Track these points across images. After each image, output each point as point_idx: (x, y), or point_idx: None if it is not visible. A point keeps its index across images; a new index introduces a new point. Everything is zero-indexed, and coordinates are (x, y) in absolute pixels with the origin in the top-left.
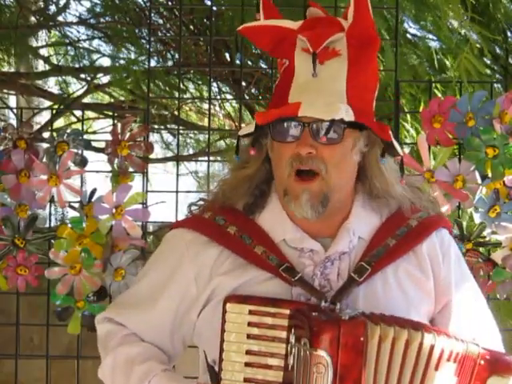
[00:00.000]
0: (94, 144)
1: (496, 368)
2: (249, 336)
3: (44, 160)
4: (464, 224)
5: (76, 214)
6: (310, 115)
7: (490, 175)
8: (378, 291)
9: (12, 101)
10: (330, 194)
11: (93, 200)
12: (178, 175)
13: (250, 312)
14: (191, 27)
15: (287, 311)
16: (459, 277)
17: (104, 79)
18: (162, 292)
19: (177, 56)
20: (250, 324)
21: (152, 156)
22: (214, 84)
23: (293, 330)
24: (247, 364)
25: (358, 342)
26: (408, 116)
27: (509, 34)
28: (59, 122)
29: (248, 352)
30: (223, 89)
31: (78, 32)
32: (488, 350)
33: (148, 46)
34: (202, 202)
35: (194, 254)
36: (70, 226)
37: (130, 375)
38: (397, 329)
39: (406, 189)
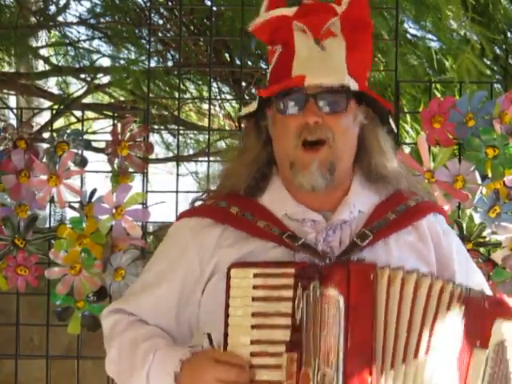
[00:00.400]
0: (94, 144)
1: (501, 311)
2: (254, 299)
3: (44, 160)
4: (464, 224)
5: (76, 214)
6: (316, 83)
7: (490, 175)
8: (381, 259)
9: (12, 101)
10: (336, 162)
11: (93, 200)
12: (177, 175)
13: (255, 275)
14: (191, 27)
15: (292, 270)
16: (461, 253)
17: (104, 79)
18: (167, 276)
19: (177, 56)
20: (255, 287)
21: (152, 156)
22: (214, 84)
23: (299, 284)
24: (254, 326)
25: (368, 280)
26: (408, 116)
27: (508, 34)
28: (59, 123)
29: (254, 314)
30: (223, 89)
31: (78, 32)
32: (492, 295)
33: (148, 46)
34: (205, 196)
35: (197, 237)
36: (69, 226)
37: (136, 353)
38: (405, 273)
39: (402, 167)
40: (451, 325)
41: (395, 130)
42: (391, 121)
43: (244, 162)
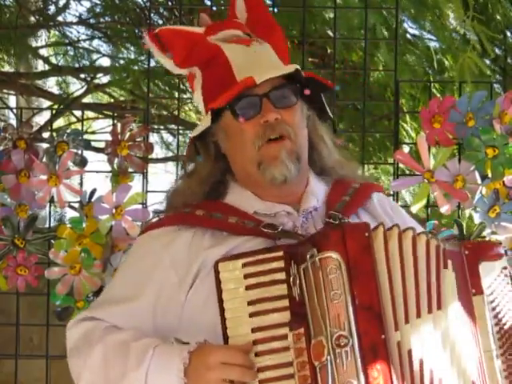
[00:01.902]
0: (93, 144)
1: (481, 254)
2: (247, 287)
3: (44, 160)
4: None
5: (76, 214)
6: (266, 78)
7: (489, 175)
8: None
9: (12, 101)
10: (300, 153)
11: (93, 200)
12: (177, 175)
13: (244, 265)
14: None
15: (281, 253)
16: (415, 223)
17: (104, 79)
18: (139, 284)
19: None
20: (246, 276)
21: (152, 156)
22: None
23: (292, 262)
24: (252, 314)
25: (363, 237)
26: (407, 116)
27: (508, 34)
28: (59, 122)
29: (250, 303)
30: None
31: (78, 32)
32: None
33: None
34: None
35: (165, 244)
36: (69, 226)
37: (128, 353)
38: (401, 230)
39: (341, 158)
40: (450, 279)
41: (330, 115)
42: (327, 107)
43: (196, 181)
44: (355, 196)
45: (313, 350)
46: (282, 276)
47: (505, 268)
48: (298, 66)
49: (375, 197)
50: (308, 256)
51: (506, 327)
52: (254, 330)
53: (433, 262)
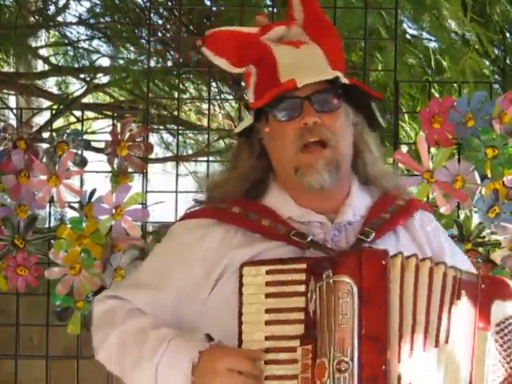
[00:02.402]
0: (93, 144)
1: (498, 291)
2: (267, 295)
3: (44, 160)
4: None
5: (76, 214)
6: (308, 82)
7: (489, 175)
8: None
9: (12, 101)
10: (341, 161)
11: (92, 200)
12: (177, 175)
13: (267, 272)
14: (191, 27)
15: (304, 265)
16: (450, 244)
17: (104, 79)
18: (168, 273)
19: (176, 56)
20: (267, 284)
21: (151, 156)
22: (214, 84)
23: (312, 277)
24: (267, 322)
25: (380, 265)
26: (406, 116)
27: (507, 34)
28: (59, 122)
29: (268, 310)
30: (222, 89)
31: (78, 32)
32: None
33: (148, 46)
34: (198, 204)
35: (198, 237)
36: (69, 226)
37: (145, 341)
38: (419, 260)
39: (387, 168)
40: (461, 312)
41: (382, 124)
42: (378, 115)
43: (237, 176)
44: (396, 214)
45: (316, 369)
46: (301, 289)
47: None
48: (341, 74)
49: (418, 215)
50: (324, 276)
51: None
52: (267, 338)
53: (447, 295)
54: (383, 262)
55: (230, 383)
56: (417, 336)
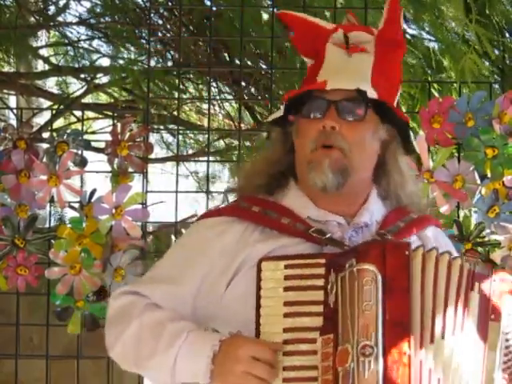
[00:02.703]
0: (93, 144)
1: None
2: (286, 289)
3: (44, 160)
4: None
5: (76, 214)
6: (336, 87)
7: (489, 175)
8: None
9: (12, 101)
10: (350, 170)
11: (92, 200)
12: (177, 175)
13: (286, 266)
14: (191, 27)
15: (323, 260)
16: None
17: (104, 79)
18: (187, 267)
19: (176, 56)
20: (286, 278)
21: (152, 156)
22: (214, 84)
23: (331, 270)
24: (286, 315)
25: (404, 255)
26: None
27: (507, 35)
28: (59, 122)
29: (286, 303)
30: (223, 89)
31: (78, 32)
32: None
33: (148, 46)
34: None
35: (218, 232)
36: (69, 226)
37: (162, 334)
38: (439, 253)
39: (415, 191)
40: (475, 302)
41: (417, 150)
42: (413, 140)
43: (263, 162)
44: (410, 224)
45: (338, 356)
46: (320, 283)
47: None
48: (374, 91)
49: (432, 229)
50: (347, 265)
51: None
52: (285, 330)
53: (463, 285)
54: (406, 253)
55: (252, 370)
56: (437, 324)
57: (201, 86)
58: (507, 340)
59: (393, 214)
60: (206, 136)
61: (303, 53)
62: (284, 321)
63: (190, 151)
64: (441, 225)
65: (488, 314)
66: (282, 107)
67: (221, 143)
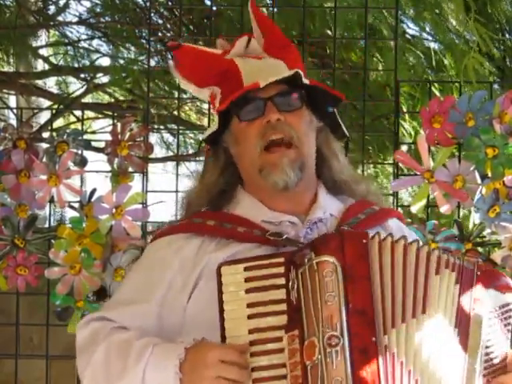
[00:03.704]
0: (93, 144)
1: (494, 282)
2: (247, 291)
3: (44, 160)
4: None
5: (76, 213)
6: (270, 81)
7: (489, 175)
8: None
9: (12, 101)
10: (305, 161)
11: (92, 200)
12: (177, 175)
13: (245, 269)
14: (191, 27)
15: (281, 259)
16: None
17: (104, 79)
18: (149, 287)
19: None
20: (246, 280)
21: (152, 156)
22: None
23: (291, 267)
24: (250, 316)
25: (361, 244)
26: (406, 115)
27: (507, 35)
28: (59, 122)
29: (249, 305)
30: None
31: (78, 32)
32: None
33: (148, 46)
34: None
35: (176, 249)
36: (69, 225)
37: (129, 352)
38: (394, 240)
39: (361, 176)
40: (444, 288)
41: (347, 134)
42: (342, 125)
43: (200, 188)
44: (372, 216)
45: (305, 351)
46: (281, 281)
47: (508, 304)
48: (301, 72)
49: (394, 221)
50: (306, 260)
51: (492, 358)
52: (251, 332)
53: (421, 268)
54: (364, 241)
55: (222, 374)
56: (397, 309)
57: None
58: (489, 333)
59: (354, 207)
60: None
61: (204, 83)
62: (248, 322)
63: (190, 151)
64: (402, 216)
65: (471, 305)
66: (216, 122)
67: None
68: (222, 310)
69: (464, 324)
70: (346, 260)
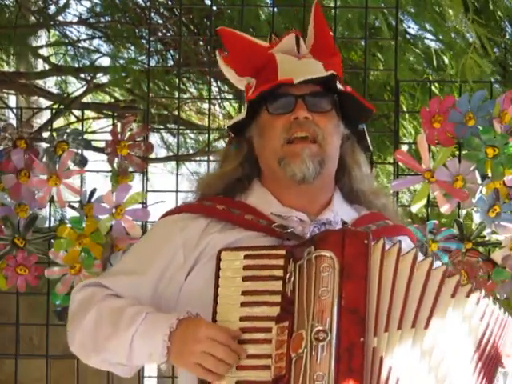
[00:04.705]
0: (93, 144)
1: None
2: (244, 278)
3: (44, 160)
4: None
5: (76, 213)
6: (305, 78)
7: (489, 175)
8: None
9: (12, 100)
10: (326, 159)
11: (92, 200)
12: (177, 175)
13: (246, 257)
14: (191, 27)
15: (283, 251)
16: None
17: (104, 79)
18: (149, 259)
19: (177, 56)
20: (245, 268)
21: (152, 156)
22: (214, 84)
23: (291, 260)
24: (243, 304)
25: (362, 244)
26: (406, 115)
27: (507, 35)
28: (59, 122)
29: (244, 292)
30: (223, 88)
31: (78, 32)
32: None
33: (148, 46)
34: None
35: (182, 227)
36: (69, 225)
37: (121, 317)
38: (400, 249)
39: (382, 191)
40: (460, 315)
41: (371, 148)
42: (367, 138)
43: (218, 174)
44: (383, 229)
45: (292, 342)
46: (279, 273)
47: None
48: (337, 75)
49: (406, 238)
50: (305, 253)
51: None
52: (242, 319)
53: (432, 285)
54: (365, 242)
55: (212, 351)
56: (393, 315)
57: (201, 86)
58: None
59: (367, 216)
60: (207, 136)
61: (245, 72)
62: (241, 310)
63: (191, 151)
64: (414, 236)
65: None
66: (244, 110)
67: (221, 143)
68: (216, 294)
69: (488, 368)
70: (344, 257)
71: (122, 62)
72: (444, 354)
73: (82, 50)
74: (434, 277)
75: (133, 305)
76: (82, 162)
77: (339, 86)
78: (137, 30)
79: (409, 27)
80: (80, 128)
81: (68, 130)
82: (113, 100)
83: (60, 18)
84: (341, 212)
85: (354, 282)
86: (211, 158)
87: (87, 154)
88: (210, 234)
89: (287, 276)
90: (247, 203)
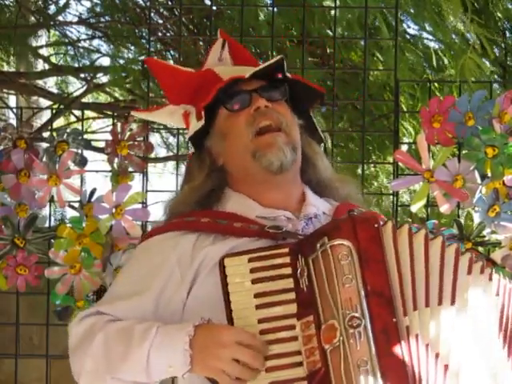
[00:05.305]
0: (93, 144)
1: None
2: (254, 281)
3: (44, 160)
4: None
5: (76, 213)
6: (256, 69)
7: (489, 175)
8: None
9: (12, 100)
10: (296, 146)
11: (92, 200)
12: (177, 175)
13: (250, 260)
14: (191, 27)
15: (286, 250)
16: None
17: (104, 79)
18: (146, 280)
19: (177, 56)
20: (251, 271)
21: (152, 156)
22: None
23: (299, 256)
24: (258, 306)
25: (373, 228)
26: (406, 115)
27: (508, 34)
28: (59, 122)
29: (256, 295)
30: None
31: (78, 32)
32: None
33: (148, 46)
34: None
35: (173, 244)
36: (69, 225)
37: (131, 335)
38: (412, 227)
39: (347, 178)
40: (480, 290)
41: (323, 139)
42: (318, 128)
43: (187, 191)
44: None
45: (323, 334)
46: (287, 271)
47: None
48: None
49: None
50: (318, 245)
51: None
52: (260, 321)
53: (449, 264)
54: (375, 225)
55: (239, 356)
56: (418, 293)
57: None
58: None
59: (342, 206)
60: None
61: (176, 99)
62: (257, 312)
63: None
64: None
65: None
66: (201, 121)
67: None
68: (228, 302)
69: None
70: (359, 243)
71: (121, 61)
72: (476, 329)
73: (81, 50)
74: (449, 254)
75: (139, 322)
76: (82, 161)
77: (287, 75)
78: (137, 30)
79: (408, 27)
80: (80, 128)
81: (68, 130)
82: (113, 100)
83: (60, 18)
84: (317, 202)
85: (373, 266)
86: None
87: (87, 153)
88: (203, 247)
89: (298, 272)
90: (229, 211)
